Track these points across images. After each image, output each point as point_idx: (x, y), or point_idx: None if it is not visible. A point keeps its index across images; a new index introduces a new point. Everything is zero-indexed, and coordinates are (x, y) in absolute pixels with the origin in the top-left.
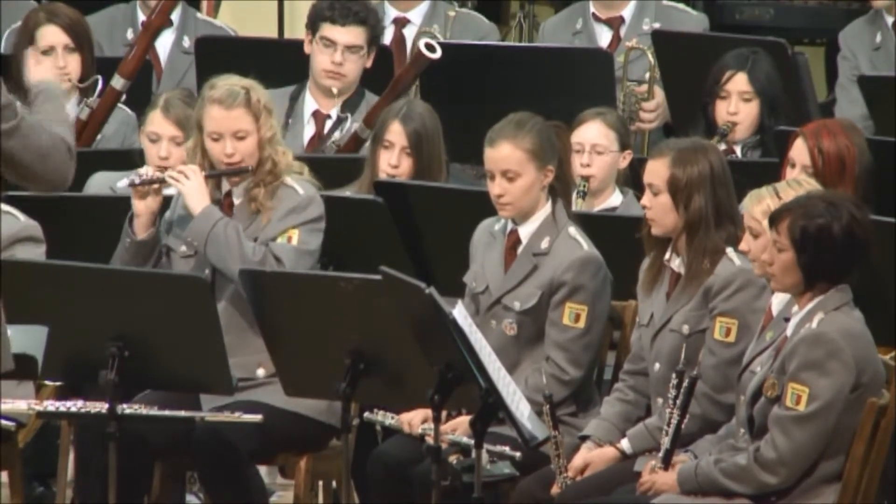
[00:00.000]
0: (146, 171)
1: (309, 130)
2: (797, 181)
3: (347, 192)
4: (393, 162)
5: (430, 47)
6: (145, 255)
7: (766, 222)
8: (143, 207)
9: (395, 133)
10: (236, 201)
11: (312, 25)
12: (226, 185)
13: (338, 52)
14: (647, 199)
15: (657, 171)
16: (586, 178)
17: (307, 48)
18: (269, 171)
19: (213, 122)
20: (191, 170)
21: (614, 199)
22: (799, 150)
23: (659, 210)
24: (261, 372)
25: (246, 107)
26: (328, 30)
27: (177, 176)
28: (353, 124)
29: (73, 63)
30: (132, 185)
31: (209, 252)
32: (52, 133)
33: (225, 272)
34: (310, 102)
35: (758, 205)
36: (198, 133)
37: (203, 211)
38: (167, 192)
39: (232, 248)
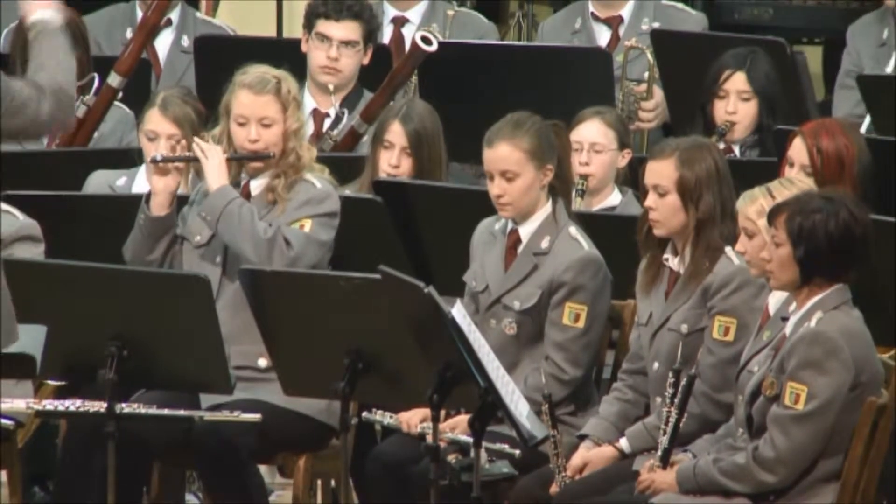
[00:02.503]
0: (168, 149)
1: (308, 129)
2: (789, 180)
3: (347, 192)
4: (393, 162)
5: (426, 40)
6: (158, 235)
7: (760, 222)
8: (161, 186)
9: (395, 133)
10: (254, 192)
11: (308, 23)
12: (243, 178)
13: (333, 48)
14: (652, 200)
15: (663, 171)
16: (585, 177)
17: (304, 47)
18: (292, 164)
19: (240, 106)
20: (212, 148)
21: (613, 199)
22: (798, 150)
23: (666, 211)
24: (262, 362)
25: (275, 95)
26: (323, 25)
27: (198, 153)
28: (350, 119)
29: None
30: (154, 161)
31: (221, 228)
32: (45, 92)
33: (235, 249)
34: (308, 101)
35: (751, 205)
36: (225, 118)
37: (220, 188)
38: (181, 192)
39: (244, 225)
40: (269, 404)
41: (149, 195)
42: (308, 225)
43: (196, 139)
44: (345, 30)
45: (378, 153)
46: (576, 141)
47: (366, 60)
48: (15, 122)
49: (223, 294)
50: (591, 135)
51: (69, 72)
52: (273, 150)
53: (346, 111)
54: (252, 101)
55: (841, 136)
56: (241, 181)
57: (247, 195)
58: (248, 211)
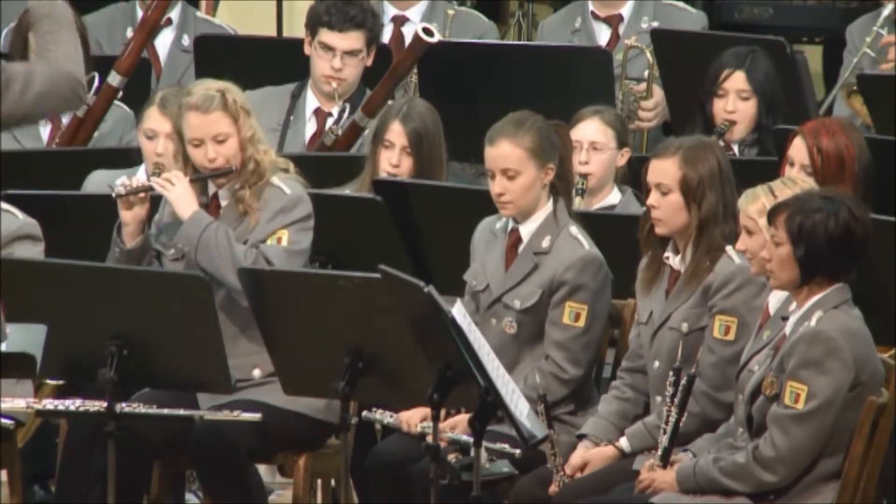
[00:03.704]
0: (131, 181)
1: (310, 128)
2: (791, 179)
3: (347, 191)
4: (393, 161)
5: (427, 31)
6: (136, 263)
7: (762, 220)
8: (130, 217)
9: (396, 132)
10: (223, 203)
11: (311, 28)
12: (212, 188)
13: (337, 58)
14: (654, 199)
15: (666, 170)
16: (584, 176)
17: (307, 49)
18: (253, 171)
19: (192, 129)
20: (175, 176)
21: (613, 198)
22: (798, 149)
23: (669, 210)
24: (256, 373)
25: (223, 109)
26: (326, 35)
27: (162, 183)
28: (352, 113)
29: None
30: (118, 196)
31: (200, 257)
32: (49, 75)
33: (216, 276)
34: (311, 100)
35: (753, 203)
36: (179, 141)
37: (192, 216)
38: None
39: (223, 252)
40: (268, 404)
41: (120, 226)
42: (285, 237)
43: (153, 177)
44: (348, 40)
45: (378, 152)
46: (575, 140)
47: (369, 62)
48: (45, 107)
49: None
50: (591, 134)
51: (77, 62)
52: (234, 163)
53: (347, 106)
54: (202, 121)
55: (841, 136)
56: (210, 193)
57: (216, 206)
58: (224, 236)
